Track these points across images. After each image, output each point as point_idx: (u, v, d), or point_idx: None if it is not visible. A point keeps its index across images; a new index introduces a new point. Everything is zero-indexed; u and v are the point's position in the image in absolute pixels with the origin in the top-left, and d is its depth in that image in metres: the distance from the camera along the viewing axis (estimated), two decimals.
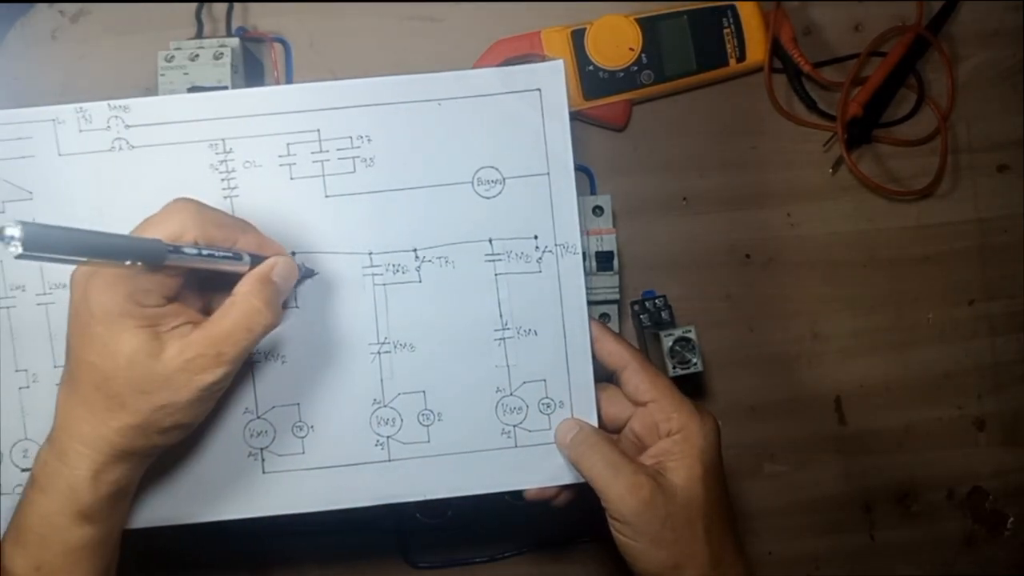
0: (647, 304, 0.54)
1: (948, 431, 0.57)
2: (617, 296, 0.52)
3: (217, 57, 0.50)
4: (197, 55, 0.50)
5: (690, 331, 0.49)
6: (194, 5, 0.53)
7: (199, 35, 0.53)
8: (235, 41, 0.51)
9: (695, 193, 0.56)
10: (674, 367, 0.49)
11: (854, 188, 0.57)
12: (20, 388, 0.43)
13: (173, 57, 0.50)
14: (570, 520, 0.54)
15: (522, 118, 0.43)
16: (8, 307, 0.43)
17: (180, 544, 0.53)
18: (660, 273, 0.55)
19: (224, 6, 0.53)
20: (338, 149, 0.43)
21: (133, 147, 0.43)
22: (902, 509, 0.57)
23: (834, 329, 0.56)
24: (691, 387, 0.55)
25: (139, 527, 0.42)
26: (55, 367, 0.43)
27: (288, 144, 0.43)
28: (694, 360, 0.49)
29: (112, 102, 0.42)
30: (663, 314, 0.53)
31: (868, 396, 0.56)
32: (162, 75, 0.50)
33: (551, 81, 0.44)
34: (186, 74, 0.50)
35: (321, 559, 0.55)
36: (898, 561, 0.57)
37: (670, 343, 0.49)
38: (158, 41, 0.51)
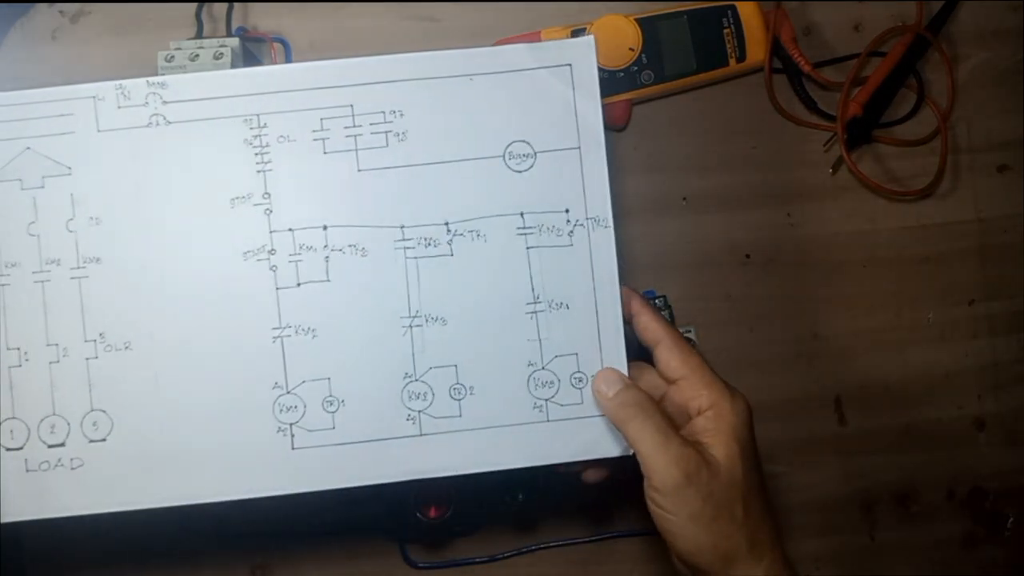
0: None
1: (948, 431, 0.57)
2: None
3: (217, 57, 0.50)
4: (197, 55, 0.50)
5: (690, 331, 0.49)
6: (194, 5, 0.53)
7: (199, 35, 0.53)
8: (235, 41, 0.51)
9: (695, 193, 0.56)
10: None
11: (854, 188, 0.57)
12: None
13: (173, 57, 0.50)
14: (570, 520, 0.54)
15: (553, 93, 0.44)
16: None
17: (179, 544, 0.53)
18: (660, 273, 0.55)
19: (224, 6, 0.53)
20: (371, 124, 0.44)
21: (170, 123, 0.43)
22: (902, 509, 0.57)
23: (834, 329, 0.56)
24: None
25: (165, 506, 0.42)
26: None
27: (322, 119, 0.43)
28: None
29: (150, 79, 0.43)
30: (663, 314, 0.53)
31: (868, 396, 0.56)
32: (162, 75, 0.50)
33: (582, 56, 0.44)
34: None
35: (321, 559, 0.55)
36: (898, 561, 0.57)
37: None
38: (158, 41, 0.51)
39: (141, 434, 0.43)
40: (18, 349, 0.43)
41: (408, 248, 0.44)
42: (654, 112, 0.56)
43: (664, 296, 0.54)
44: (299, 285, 0.43)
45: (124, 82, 0.44)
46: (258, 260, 0.43)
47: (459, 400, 0.43)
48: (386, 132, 0.44)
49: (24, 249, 0.43)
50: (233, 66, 0.50)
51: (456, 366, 0.44)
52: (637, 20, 0.53)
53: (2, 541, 0.51)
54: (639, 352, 0.52)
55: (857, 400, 0.56)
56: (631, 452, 0.42)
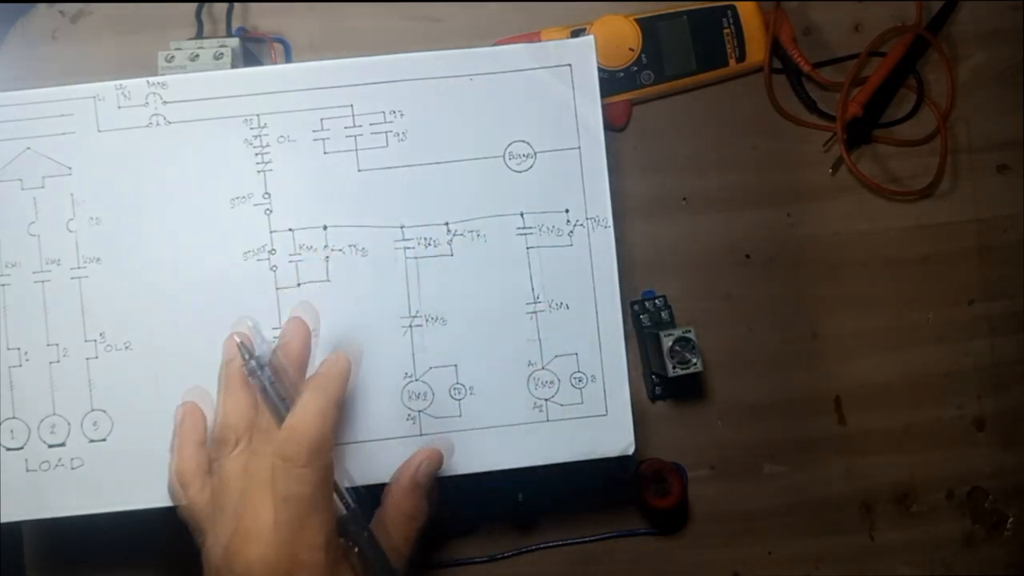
0: (647, 304, 0.54)
1: (948, 431, 0.57)
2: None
3: (217, 57, 0.50)
4: (197, 55, 0.50)
5: (690, 331, 0.49)
6: (194, 5, 0.53)
7: (199, 35, 0.53)
8: (235, 41, 0.51)
9: (695, 193, 0.56)
10: (674, 367, 0.49)
11: (854, 188, 0.57)
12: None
13: (173, 57, 0.50)
14: (570, 520, 0.54)
15: (553, 93, 0.44)
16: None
17: (180, 544, 0.53)
18: (660, 273, 0.55)
19: (224, 6, 0.53)
20: (371, 124, 0.44)
21: (170, 123, 0.44)
22: (902, 509, 0.57)
23: (834, 329, 0.56)
24: (691, 387, 0.55)
25: (165, 506, 0.43)
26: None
27: (322, 119, 0.44)
28: (694, 360, 0.49)
29: (151, 79, 0.44)
30: (663, 314, 0.53)
31: (868, 396, 0.56)
32: (162, 75, 0.50)
33: (582, 56, 0.44)
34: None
35: None
36: (898, 561, 0.57)
37: (670, 343, 0.49)
38: (158, 41, 0.51)
39: (141, 434, 0.43)
40: (18, 349, 0.43)
41: (408, 248, 0.44)
42: (654, 112, 0.56)
43: (664, 296, 0.54)
44: (299, 285, 0.44)
45: (124, 82, 0.44)
46: (258, 260, 0.44)
47: (459, 400, 0.44)
48: (386, 132, 0.44)
49: (24, 249, 0.43)
50: (233, 66, 0.50)
51: (456, 366, 0.44)
52: (637, 20, 0.53)
53: (2, 541, 0.51)
54: (642, 351, 0.52)
55: (857, 400, 0.56)
56: (631, 451, 0.42)
